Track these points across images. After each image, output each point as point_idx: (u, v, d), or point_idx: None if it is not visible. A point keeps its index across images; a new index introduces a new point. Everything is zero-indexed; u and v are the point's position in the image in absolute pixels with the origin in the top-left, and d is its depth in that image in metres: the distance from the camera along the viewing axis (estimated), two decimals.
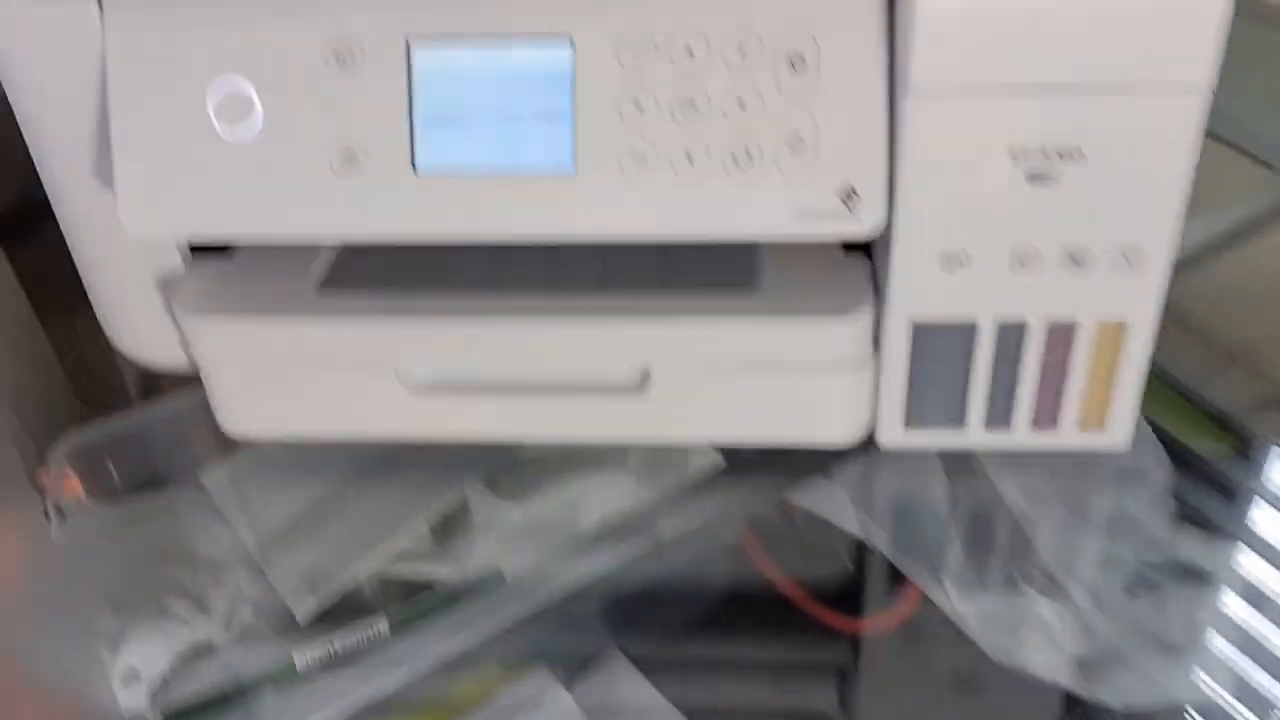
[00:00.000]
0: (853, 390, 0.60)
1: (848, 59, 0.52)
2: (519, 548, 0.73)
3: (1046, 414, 0.61)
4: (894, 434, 0.62)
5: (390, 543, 0.74)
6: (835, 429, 0.62)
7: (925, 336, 0.58)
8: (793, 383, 0.60)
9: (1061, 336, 0.58)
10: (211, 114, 0.53)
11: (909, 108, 0.51)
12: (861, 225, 0.54)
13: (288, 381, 0.60)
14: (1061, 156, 0.52)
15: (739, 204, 0.54)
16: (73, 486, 0.82)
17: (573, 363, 0.60)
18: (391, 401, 0.61)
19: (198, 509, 0.70)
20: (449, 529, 0.76)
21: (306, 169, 0.54)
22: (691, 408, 0.61)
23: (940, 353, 0.59)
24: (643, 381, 0.60)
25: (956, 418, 0.62)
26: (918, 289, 0.56)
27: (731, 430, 0.62)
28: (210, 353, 0.60)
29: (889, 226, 0.55)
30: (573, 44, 0.53)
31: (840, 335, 0.58)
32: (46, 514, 0.71)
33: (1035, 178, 0.52)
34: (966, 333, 0.58)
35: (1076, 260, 0.55)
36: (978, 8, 0.48)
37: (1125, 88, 0.50)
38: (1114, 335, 0.58)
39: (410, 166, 0.54)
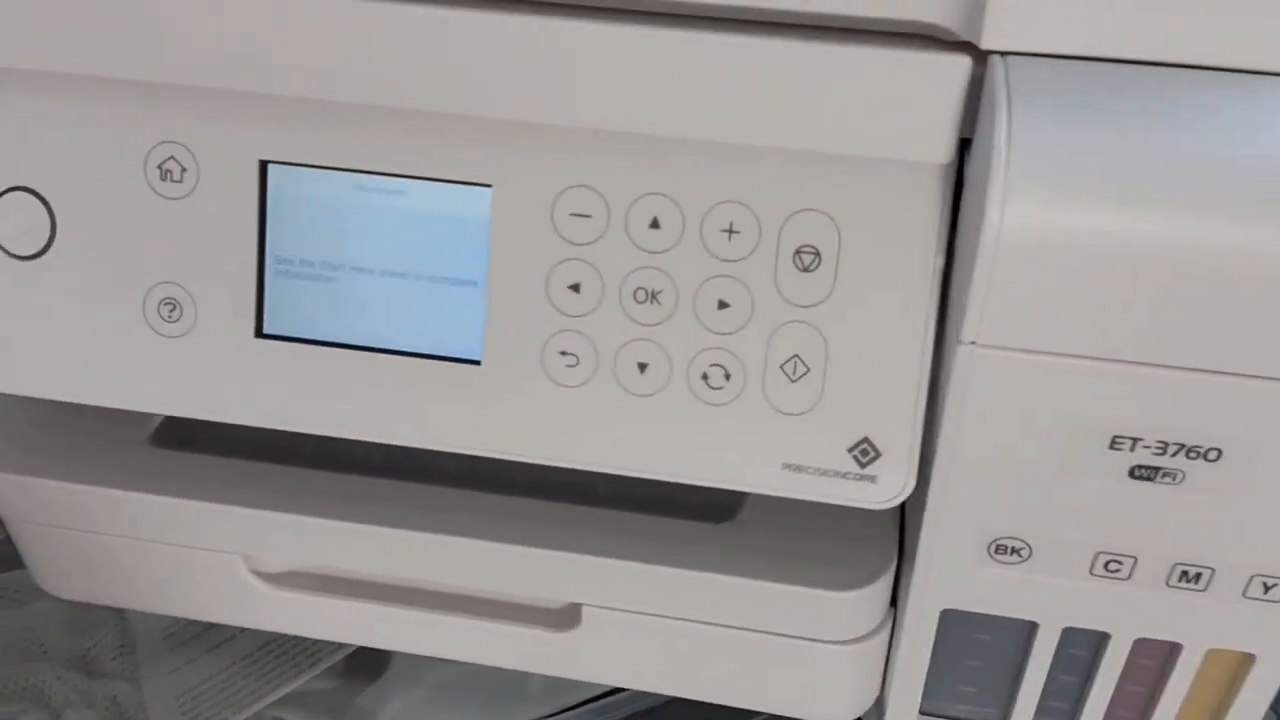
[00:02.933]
0: (852, 666, 0.44)
1: (883, 262, 0.35)
2: (445, 708, 0.59)
3: None
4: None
5: (293, 680, 0.61)
6: (822, 707, 0.45)
7: (958, 624, 0.42)
8: (769, 649, 0.43)
9: (1155, 652, 0.41)
10: None
11: (969, 355, 0.33)
12: (878, 494, 0.37)
13: (115, 555, 0.46)
14: (1189, 454, 0.34)
15: (705, 443, 0.37)
16: None
17: (479, 583, 0.44)
18: (240, 589, 0.46)
19: None
20: (362, 669, 0.63)
21: (111, 313, 0.38)
22: (629, 652, 0.45)
23: (977, 645, 0.43)
24: (570, 617, 0.44)
25: (994, 716, 0.45)
26: (953, 577, 0.39)
27: (680, 683, 0.46)
28: (14, 515, 0.46)
29: (920, 494, 0.38)
30: (494, 192, 0.37)
31: (842, 613, 0.41)
32: None
33: (1143, 475, 0.35)
34: (1016, 628, 0.41)
35: (1190, 578, 0.38)
36: (1098, 240, 0.30)
37: None
38: (1231, 666, 0.41)
39: (254, 326, 0.39)
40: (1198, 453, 0.34)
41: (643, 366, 0.37)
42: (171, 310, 0.38)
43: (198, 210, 0.38)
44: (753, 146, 0.35)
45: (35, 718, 0.58)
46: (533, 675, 0.59)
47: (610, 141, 0.36)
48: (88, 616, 0.63)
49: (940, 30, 0.32)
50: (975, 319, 0.32)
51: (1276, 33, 0.32)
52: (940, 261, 0.35)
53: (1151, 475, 0.35)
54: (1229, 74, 0.33)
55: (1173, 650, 0.41)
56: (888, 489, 0.37)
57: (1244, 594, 0.38)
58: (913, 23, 0.32)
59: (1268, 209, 0.30)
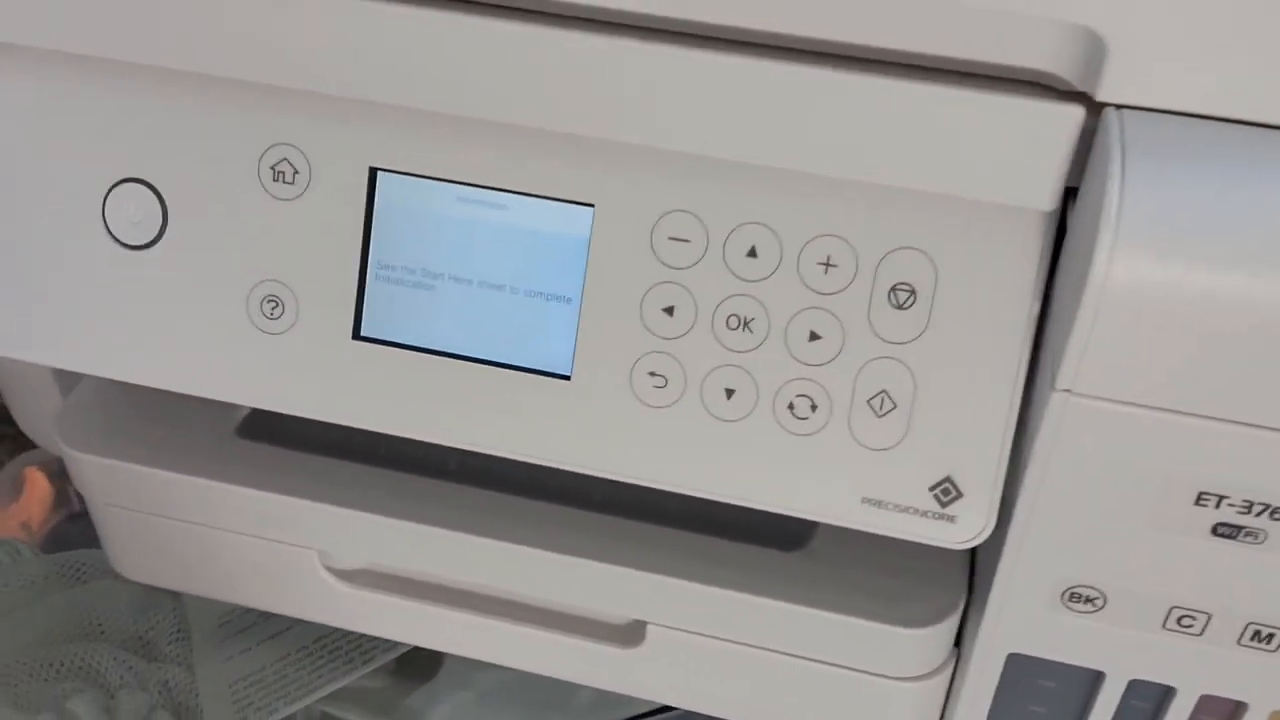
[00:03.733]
0: (912, 704, 0.44)
1: (979, 304, 0.35)
2: (494, 713, 0.59)
3: None
4: None
5: (345, 675, 0.62)
6: None
7: (1023, 669, 0.42)
8: (830, 680, 0.44)
9: (1218, 709, 0.41)
10: (107, 225, 0.40)
11: (1062, 403, 0.33)
12: (957, 534, 0.37)
13: (192, 542, 0.47)
14: (1273, 514, 0.34)
15: (786, 471, 0.38)
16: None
17: (547, 594, 0.45)
18: (313, 584, 0.47)
19: None
20: (413, 670, 0.64)
21: (214, 307, 0.40)
22: (691, 673, 0.45)
23: (1041, 691, 0.43)
24: (635, 635, 0.45)
25: None
26: (1023, 621, 0.39)
27: (737, 707, 0.46)
28: (98, 497, 0.47)
29: (995, 537, 0.38)
30: (595, 212, 0.37)
31: (907, 650, 0.42)
32: None
33: (1225, 533, 0.35)
34: (1081, 676, 0.41)
35: (1263, 638, 0.38)
36: (1202, 298, 0.31)
37: None
38: None
39: (351, 328, 0.39)
40: None
41: (730, 392, 0.38)
42: (274, 308, 0.39)
43: (307, 212, 0.39)
44: (856, 182, 0.35)
45: (89, 697, 0.59)
46: (582, 687, 0.60)
47: (713, 168, 0.36)
48: (146, 598, 0.63)
49: (1055, 79, 0.33)
50: (1071, 368, 0.32)
51: None
52: (1036, 308, 0.35)
53: (1234, 534, 0.35)
54: None
55: (1236, 709, 0.41)
56: (967, 530, 0.37)
57: None
58: (1030, 70, 0.33)
59: None
